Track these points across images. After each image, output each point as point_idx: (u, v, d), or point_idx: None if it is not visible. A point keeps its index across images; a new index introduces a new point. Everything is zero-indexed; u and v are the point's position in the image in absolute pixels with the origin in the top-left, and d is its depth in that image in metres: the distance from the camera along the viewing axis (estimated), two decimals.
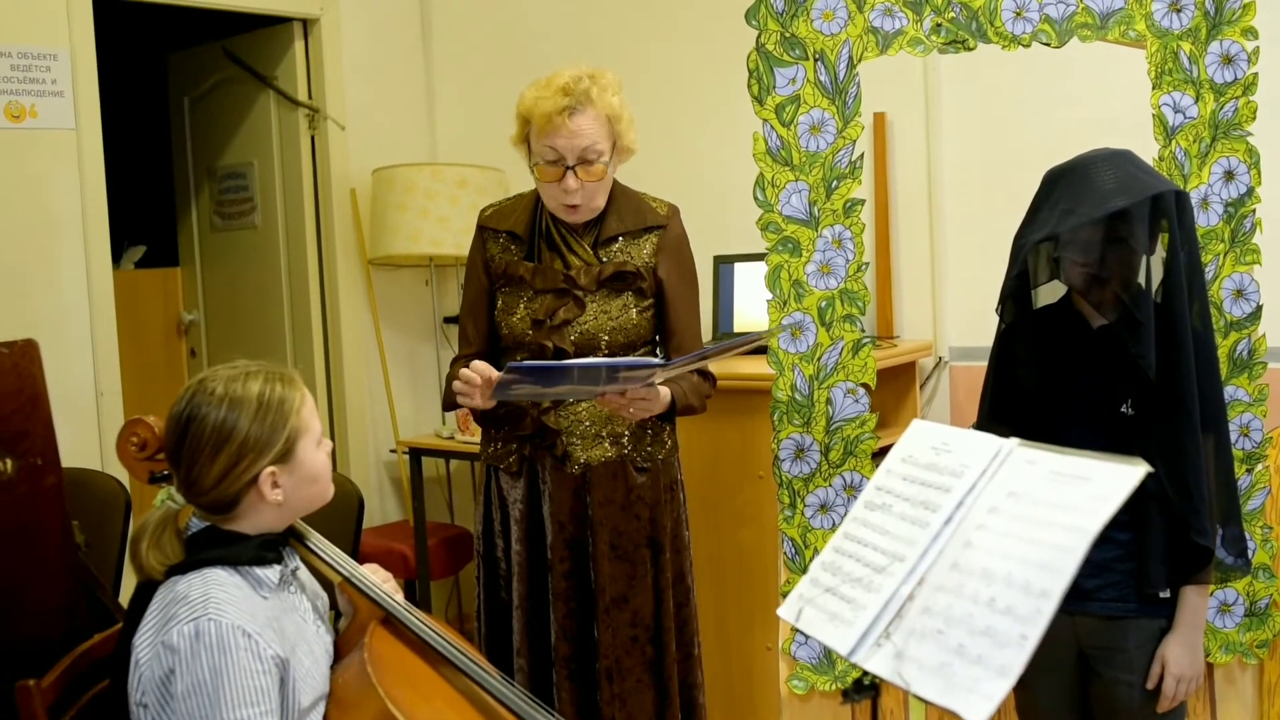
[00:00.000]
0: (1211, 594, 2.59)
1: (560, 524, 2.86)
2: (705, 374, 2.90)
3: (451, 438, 4.79)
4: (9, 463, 2.45)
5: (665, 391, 2.71)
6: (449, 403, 2.82)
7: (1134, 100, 2.78)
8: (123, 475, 3.70)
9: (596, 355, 2.78)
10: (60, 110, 4.29)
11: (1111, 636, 2.41)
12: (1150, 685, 2.38)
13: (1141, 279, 2.31)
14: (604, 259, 2.83)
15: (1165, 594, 2.37)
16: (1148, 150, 2.55)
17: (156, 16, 4.97)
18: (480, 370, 2.58)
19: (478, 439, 3.05)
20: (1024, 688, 2.50)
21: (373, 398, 5.26)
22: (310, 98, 5.13)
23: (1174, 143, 2.64)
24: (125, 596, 2.59)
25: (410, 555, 4.78)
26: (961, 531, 1.73)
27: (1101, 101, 3.67)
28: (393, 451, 5.25)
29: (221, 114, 5.57)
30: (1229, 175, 2.62)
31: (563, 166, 2.72)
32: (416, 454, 4.86)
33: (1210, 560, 2.34)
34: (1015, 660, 1.53)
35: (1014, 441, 1.80)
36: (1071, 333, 2.43)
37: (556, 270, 2.82)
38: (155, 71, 5.99)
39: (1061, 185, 2.33)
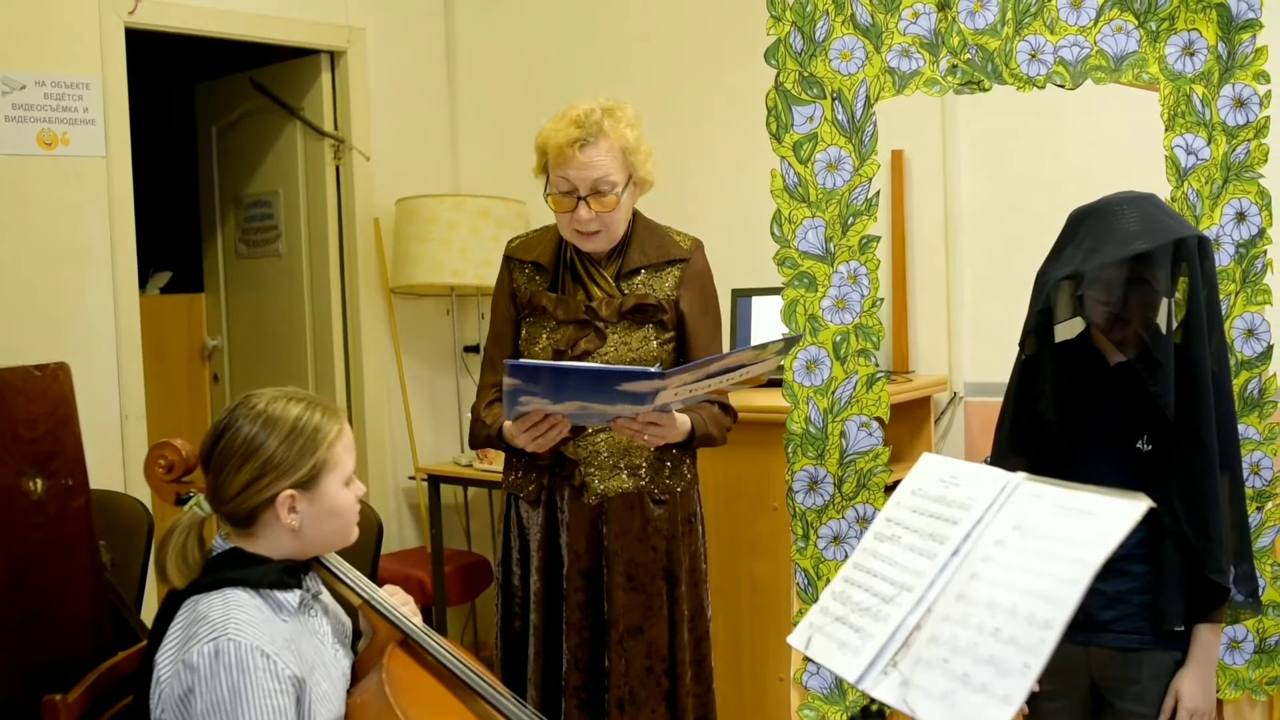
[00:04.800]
0: (1221, 630, 2.61)
1: (576, 554, 2.87)
2: (725, 407, 2.91)
3: (470, 465, 4.83)
4: (40, 483, 2.49)
5: (683, 419, 2.73)
6: (475, 440, 2.85)
7: (1147, 141, 2.81)
8: (146, 498, 3.74)
9: None
10: (91, 138, 4.37)
11: (1125, 668, 2.43)
12: (1164, 719, 2.40)
13: (1161, 320, 2.34)
14: (626, 291, 2.86)
15: (1180, 628, 2.39)
16: (1160, 191, 2.59)
17: (186, 47, 5.06)
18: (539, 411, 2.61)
19: (496, 467, 3.08)
20: (1036, 716, 2.53)
21: (393, 425, 5.30)
22: (336, 128, 5.20)
23: (1186, 184, 2.68)
24: (149, 615, 2.63)
25: (427, 582, 4.81)
26: (968, 563, 1.76)
27: (1115, 142, 3.71)
28: (412, 478, 5.29)
29: (248, 143, 5.64)
30: (1240, 216, 2.66)
31: (575, 197, 2.75)
32: (435, 481, 4.89)
33: (1226, 598, 2.37)
34: (1018, 689, 1.55)
35: (1021, 476, 1.84)
36: (1090, 369, 2.47)
37: (579, 301, 2.85)
38: (184, 101, 6.07)
39: (1087, 225, 2.38)
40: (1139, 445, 2.40)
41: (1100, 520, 1.65)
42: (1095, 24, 2.71)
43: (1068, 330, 2.49)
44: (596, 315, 2.84)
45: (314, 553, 2.18)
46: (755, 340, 4.22)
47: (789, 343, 2.49)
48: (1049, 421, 2.46)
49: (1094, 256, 2.31)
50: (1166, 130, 2.69)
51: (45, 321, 4.28)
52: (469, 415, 3.02)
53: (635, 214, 2.92)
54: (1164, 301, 2.32)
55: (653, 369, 2.39)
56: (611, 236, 2.84)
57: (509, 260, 2.99)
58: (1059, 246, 2.44)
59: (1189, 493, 2.33)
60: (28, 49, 4.22)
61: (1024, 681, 1.55)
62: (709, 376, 2.48)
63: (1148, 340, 2.32)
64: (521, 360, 2.48)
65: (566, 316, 2.86)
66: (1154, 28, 2.67)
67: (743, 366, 2.49)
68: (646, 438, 2.66)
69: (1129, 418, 2.41)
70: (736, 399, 3.01)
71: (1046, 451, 2.43)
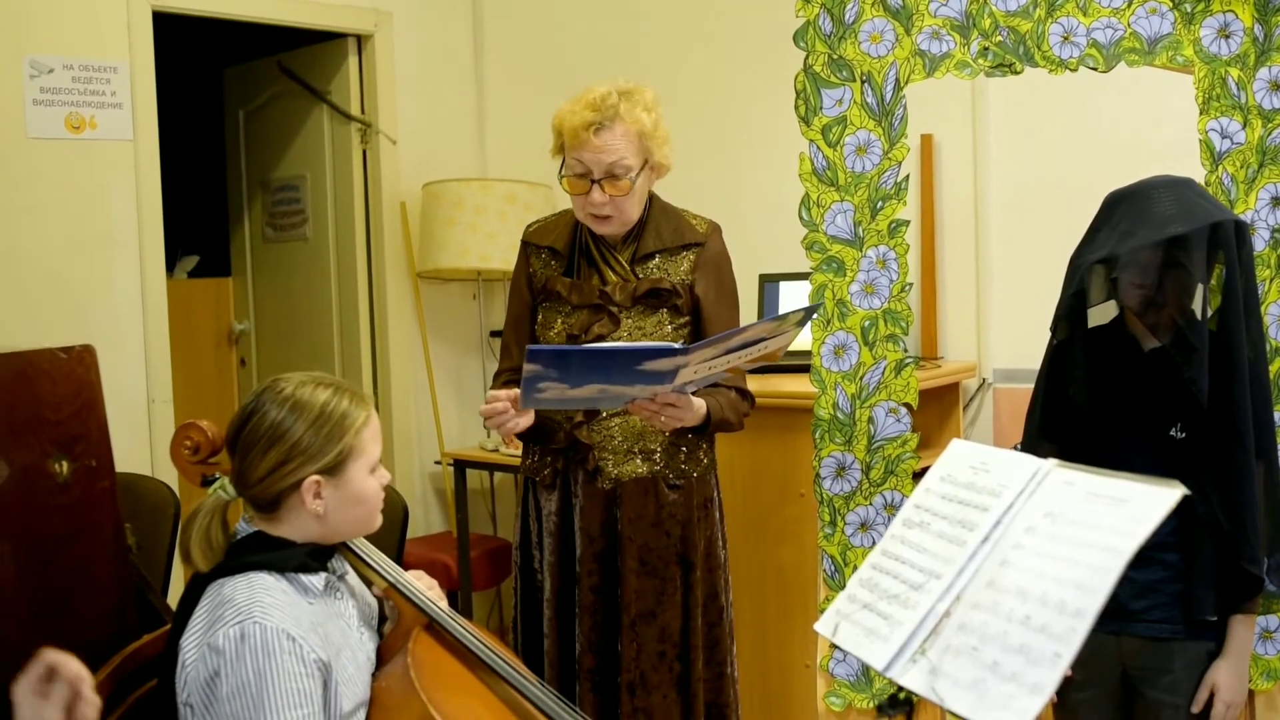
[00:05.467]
0: (1255, 621, 2.58)
1: (590, 538, 2.87)
2: (743, 392, 2.90)
3: (496, 450, 4.83)
4: (65, 465, 2.49)
5: (699, 402, 2.71)
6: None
7: (1181, 125, 2.78)
8: (172, 481, 3.76)
9: None
10: (119, 122, 4.37)
11: (1157, 658, 2.41)
12: (1197, 709, 2.38)
13: (1197, 305, 2.31)
14: (640, 275, 2.85)
15: (1213, 618, 2.37)
16: (1193, 176, 2.56)
17: (214, 31, 5.06)
18: (501, 393, 2.63)
19: (520, 452, 3.07)
20: (1065, 706, 2.51)
21: (418, 409, 5.31)
22: (363, 112, 5.20)
23: (1221, 168, 2.64)
24: (174, 598, 2.63)
25: (453, 566, 4.82)
26: (998, 550, 1.73)
27: (1148, 126, 3.67)
28: (437, 463, 5.30)
29: (275, 127, 5.65)
30: (1276, 201, 2.62)
31: (589, 180, 2.75)
32: (461, 466, 4.89)
33: (1260, 588, 2.35)
34: (1049, 678, 1.53)
35: (1052, 462, 1.81)
36: (1123, 354, 2.44)
37: (593, 286, 2.84)
38: (211, 85, 6.08)
39: (1122, 208, 2.35)
40: (1172, 433, 2.37)
41: (1133, 507, 1.62)
42: (1129, 6, 2.67)
43: (1100, 315, 2.47)
44: (610, 300, 2.83)
45: (338, 539, 2.18)
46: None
47: (808, 312, 2.46)
48: (1080, 407, 2.43)
49: (1129, 239, 2.29)
50: (1201, 114, 2.65)
51: (72, 305, 4.30)
52: None
53: (652, 197, 2.90)
54: (1199, 286, 2.30)
55: (675, 345, 2.38)
56: (625, 220, 2.82)
57: (526, 245, 2.99)
58: (1093, 230, 2.41)
59: (1223, 481, 2.30)
60: (56, 32, 4.23)
61: (1055, 671, 1.53)
62: (729, 351, 2.45)
63: (1183, 325, 2.29)
64: (542, 345, 2.46)
65: (581, 301, 2.85)
66: (1189, 9, 2.64)
67: (762, 340, 2.47)
68: (663, 419, 2.64)
69: (1162, 405, 2.38)
70: (762, 384, 2.99)
71: (1078, 438, 2.41)
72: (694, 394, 2.66)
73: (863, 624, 1.83)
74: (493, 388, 2.91)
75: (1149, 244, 2.27)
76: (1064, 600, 1.58)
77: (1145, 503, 1.62)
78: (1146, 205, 2.31)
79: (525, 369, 2.41)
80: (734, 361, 2.51)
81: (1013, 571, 1.68)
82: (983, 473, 1.88)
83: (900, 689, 1.81)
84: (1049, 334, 2.49)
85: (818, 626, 1.94)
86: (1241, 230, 2.32)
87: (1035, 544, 1.69)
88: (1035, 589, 1.62)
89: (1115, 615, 2.24)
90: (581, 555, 2.87)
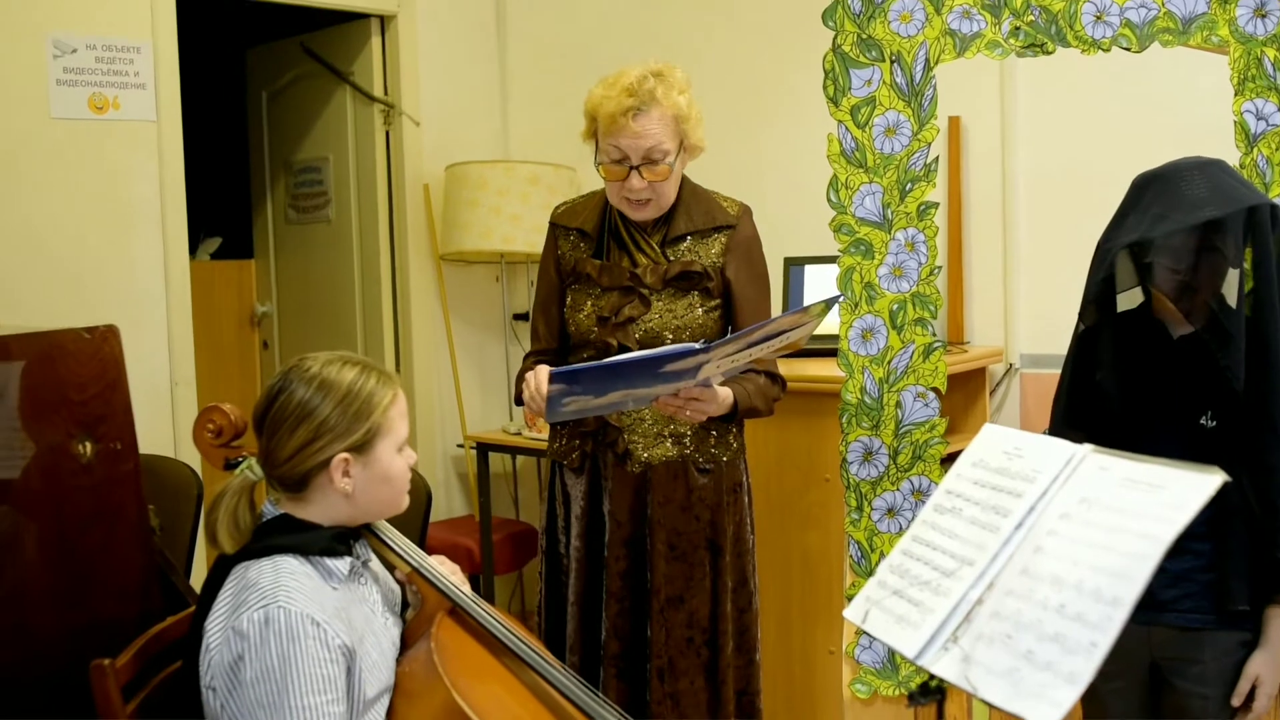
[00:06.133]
0: None
1: (618, 522, 2.85)
2: (774, 376, 2.88)
3: (519, 434, 4.82)
4: (88, 446, 2.49)
5: (725, 392, 2.69)
6: (521, 397, 2.83)
7: (1214, 106, 2.74)
8: (195, 463, 3.75)
9: None
10: (142, 102, 4.36)
11: (1187, 648, 2.37)
12: (1238, 701, 2.34)
13: (1230, 291, 2.27)
14: (671, 258, 2.82)
15: (1245, 608, 2.33)
16: (1227, 157, 2.52)
17: (237, 12, 5.06)
18: (541, 383, 2.55)
19: (544, 435, 3.06)
20: (1093, 697, 2.47)
21: (441, 392, 5.30)
22: (386, 94, 5.18)
23: (1256, 150, 2.60)
24: (197, 581, 2.63)
25: (475, 550, 4.81)
26: (1032, 537, 1.71)
27: (1181, 107, 3.63)
28: (460, 446, 5.29)
29: (298, 109, 5.64)
30: None
31: (627, 166, 2.72)
32: (484, 449, 4.89)
33: None
34: (1085, 667, 1.51)
35: (1087, 447, 1.79)
36: (1152, 341, 2.40)
37: (623, 268, 2.82)
38: (235, 66, 6.08)
39: (1152, 190, 2.30)
40: (1202, 421, 2.33)
41: (1171, 494, 1.60)
42: None
43: (1128, 300, 2.43)
44: (641, 282, 2.81)
45: (364, 519, 2.17)
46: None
47: (829, 304, 2.44)
48: (1108, 394, 2.39)
49: (1161, 223, 2.24)
50: (1236, 95, 2.61)
51: (96, 286, 4.30)
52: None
53: (683, 179, 2.88)
54: (1233, 271, 2.26)
55: (696, 344, 2.36)
56: (662, 205, 2.81)
57: (554, 227, 2.97)
58: (1122, 213, 2.36)
59: (1257, 470, 2.26)
60: (79, 12, 4.22)
61: (1090, 660, 1.51)
62: (751, 345, 2.44)
63: (1217, 311, 2.25)
64: (565, 367, 2.44)
65: (611, 283, 2.83)
66: None
67: (784, 333, 2.45)
68: (689, 413, 2.63)
69: (1193, 392, 2.34)
70: (789, 368, 2.97)
71: (1105, 426, 2.37)
72: (721, 383, 2.64)
73: (893, 611, 1.81)
74: (523, 369, 2.89)
75: (1184, 228, 2.23)
76: (1100, 588, 1.56)
77: (1184, 489, 1.60)
78: (1178, 188, 2.27)
79: (550, 389, 2.40)
80: (757, 353, 2.49)
81: (1047, 558, 1.66)
82: (1016, 458, 1.86)
83: (931, 677, 1.79)
84: (1076, 319, 2.45)
85: (847, 613, 1.92)
86: (1277, 213, 2.27)
87: (1071, 530, 1.67)
88: (1071, 576, 1.60)
89: (1146, 605, 2.18)
90: (610, 540, 2.86)
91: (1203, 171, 2.28)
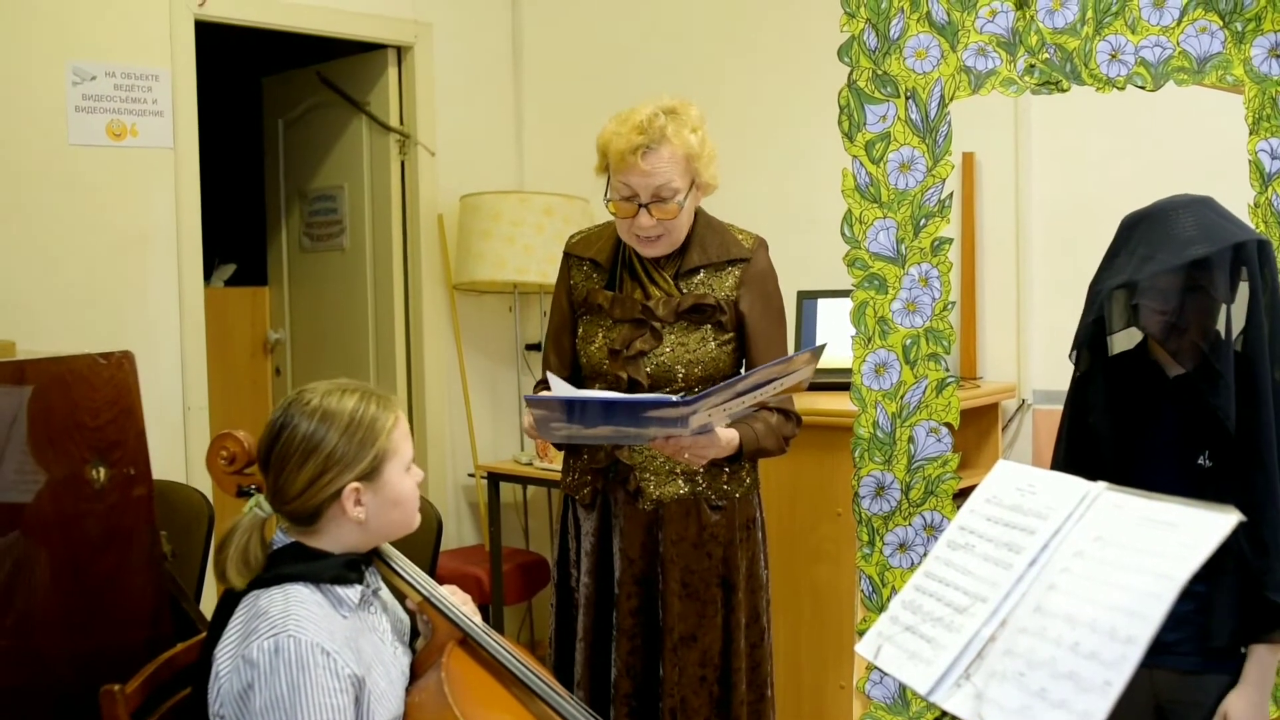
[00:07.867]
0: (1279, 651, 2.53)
1: (630, 560, 2.82)
2: (788, 414, 2.83)
3: (530, 464, 4.81)
4: (102, 471, 2.49)
5: (729, 434, 2.65)
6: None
7: (1229, 145, 2.74)
8: (207, 489, 3.76)
9: (673, 387, 2.74)
10: (160, 130, 4.39)
11: (1191, 691, 2.35)
12: None
13: (1221, 329, 2.26)
14: (684, 290, 2.80)
15: (1244, 649, 2.31)
16: (1244, 196, 2.52)
17: (254, 41, 5.08)
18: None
19: (556, 466, 3.06)
20: None
21: (453, 422, 5.30)
22: (401, 124, 5.20)
23: (1270, 189, 2.60)
24: (207, 607, 2.63)
25: (485, 580, 4.80)
26: (1046, 574, 1.70)
27: (1195, 145, 3.63)
28: (471, 476, 5.29)
29: (314, 137, 5.67)
30: None
31: (636, 204, 2.69)
32: (495, 479, 4.88)
33: None
34: (1099, 706, 1.50)
35: (1102, 485, 1.78)
36: (1147, 381, 2.39)
37: (635, 300, 2.80)
38: (251, 95, 6.11)
39: (1140, 231, 2.30)
40: (1200, 461, 2.31)
41: (1186, 533, 1.59)
42: (1178, 24, 2.64)
43: (1125, 341, 2.42)
44: (653, 315, 2.78)
45: (377, 543, 2.17)
46: (819, 344, 4.16)
47: (816, 353, 2.41)
48: (1104, 437, 2.38)
49: (1148, 264, 2.23)
50: (1251, 133, 2.61)
51: (110, 312, 4.31)
52: None
53: (697, 211, 2.85)
54: (1223, 309, 2.24)
55: (674, 397, 2.33)
56: (673, 242, 2.78)
57: (568, 257, 2.96)
58: (1111, 254, 2.35)
59: (1246, 506, 2.24)
60: (99, 40, 4.25)
61: (1105, 700, 1.50)
62: (738, 395, 2.39)
63: (1206, 350, 2.24)
64: (539, 394, 2.43)
65: (623, 315, 2.81)
66: (1239, 28, 2.60)
67: (773, 381, 2.41)
68: (687, 457, 2.60)
69: (1189, 432, 2.32)
70: (802, 402, 2.95)
71: (1103, 468, 2.35)
72: (728, 424, 2.62)
73: (905, 646, 1.80)
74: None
75: (1169, 268, 2.21)
76: (1115, 626, 1.55)
77: (1198, 528, 1.59)
78: (1165, 227, 2.25)
79: (534, 414, 2.39)
80: (751, 400, 2.45)
81: (1061, 596, 1.65)
82: (1030, 495, 1.85)
83: (943, 714, 1.78)
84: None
85: (859, 648, 1.91)
86: (1265, 250, 2.25)
87: (1084, 568, 1.66)
88: (1084, 614, 1.59)
89: (1149, 647, 2.20)
90: (620, 578, 2.83)
91: (1190, 210, 2.27)
